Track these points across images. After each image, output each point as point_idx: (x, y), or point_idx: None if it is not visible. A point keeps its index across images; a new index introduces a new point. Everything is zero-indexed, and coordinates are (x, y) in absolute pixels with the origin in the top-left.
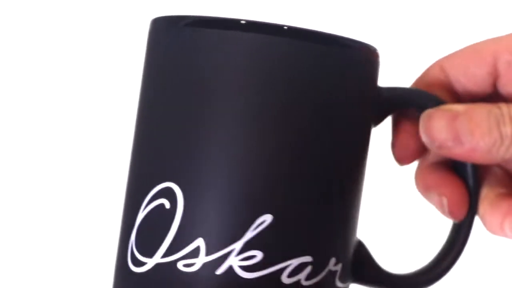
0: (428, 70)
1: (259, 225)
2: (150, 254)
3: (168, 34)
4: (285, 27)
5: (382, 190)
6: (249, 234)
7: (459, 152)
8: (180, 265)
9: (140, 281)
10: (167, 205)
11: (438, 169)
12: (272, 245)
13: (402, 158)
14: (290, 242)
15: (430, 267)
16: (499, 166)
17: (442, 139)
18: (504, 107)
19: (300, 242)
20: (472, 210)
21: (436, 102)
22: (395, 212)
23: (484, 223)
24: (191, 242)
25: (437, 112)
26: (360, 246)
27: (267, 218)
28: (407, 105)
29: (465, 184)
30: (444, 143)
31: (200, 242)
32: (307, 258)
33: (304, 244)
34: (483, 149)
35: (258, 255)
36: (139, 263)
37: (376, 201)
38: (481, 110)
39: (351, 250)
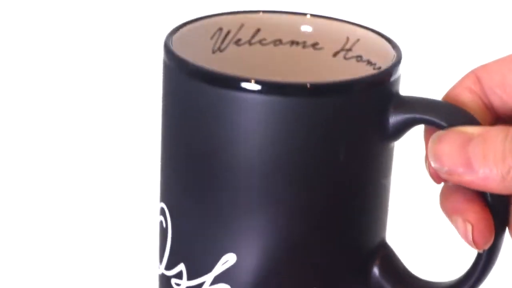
0: (462, 80)
1: (225, 262)
2: (160, 262)
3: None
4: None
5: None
6: (217, 269)
7: (470, 179)
8: (173, 283)
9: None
10: (164, 223)
11: (464, 189)
12: (238, 281)
13: (436, 174)
14: (255, 280)
15: None
16: None
17: (452, 164)
18: None
19: (266, 282)
20: (497, 239)
21: (464, 116)
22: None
23: None
24: (177, 265)
25: (449, 134)
26: (386, 248)
27: (231, 257)
28: (431, 117)
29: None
30: (454, 169)
31: (182, 267)
32: None
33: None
34: (496, 177)
35: None
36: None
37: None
38: (497, 134)
39: None
